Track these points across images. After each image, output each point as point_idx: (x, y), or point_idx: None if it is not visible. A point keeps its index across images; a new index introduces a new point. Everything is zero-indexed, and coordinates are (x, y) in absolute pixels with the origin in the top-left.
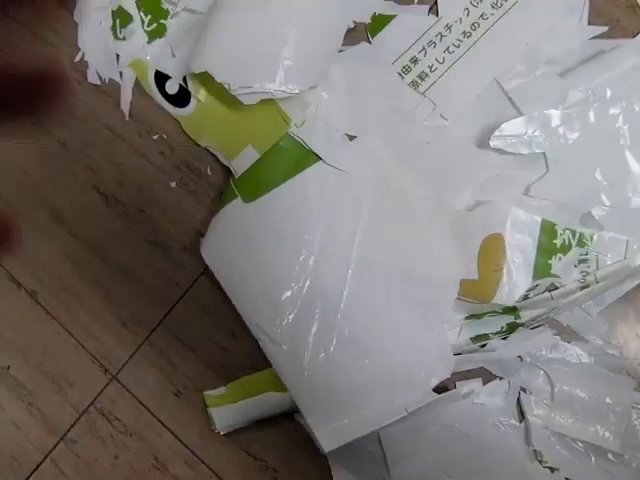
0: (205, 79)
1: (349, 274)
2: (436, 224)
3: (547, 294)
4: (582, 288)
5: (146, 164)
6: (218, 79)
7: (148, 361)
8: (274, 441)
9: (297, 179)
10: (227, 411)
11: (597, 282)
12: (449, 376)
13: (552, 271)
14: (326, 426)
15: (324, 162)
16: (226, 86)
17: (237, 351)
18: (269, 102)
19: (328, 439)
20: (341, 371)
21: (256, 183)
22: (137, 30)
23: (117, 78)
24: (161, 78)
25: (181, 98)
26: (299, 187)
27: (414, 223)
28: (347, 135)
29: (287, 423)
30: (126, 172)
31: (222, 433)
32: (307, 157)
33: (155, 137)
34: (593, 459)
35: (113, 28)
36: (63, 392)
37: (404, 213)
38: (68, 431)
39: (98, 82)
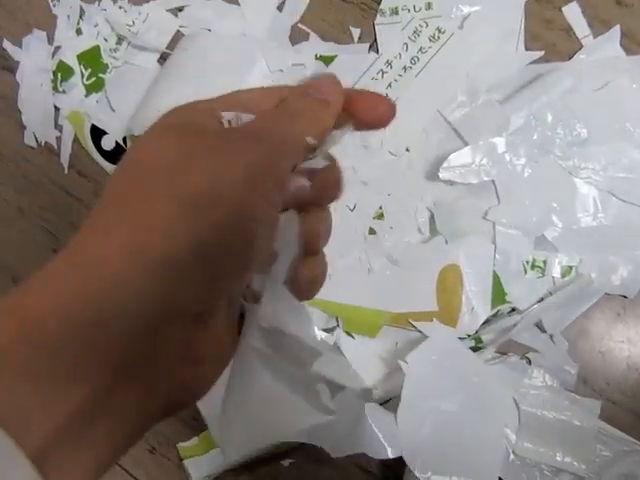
0: None
1: None
2: None
3: (509, 318)
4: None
5: None
6: None
7: None
8: None
9: None
10: (201, 461)
11: (551, 294)
12: None
13: (508, 298)
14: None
15: None
16: None
17: None
18: None
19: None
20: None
21: None
22: (77, 84)
23: (53, 142)
24: (98, 133)
25: (117, 154)
26: None
27: None
28: None
29: (261, 468)
30: None
31: None
32: None
33: None
34: None
35: (54, 81)
36: None
37: None
38: None
39: (34, 144)
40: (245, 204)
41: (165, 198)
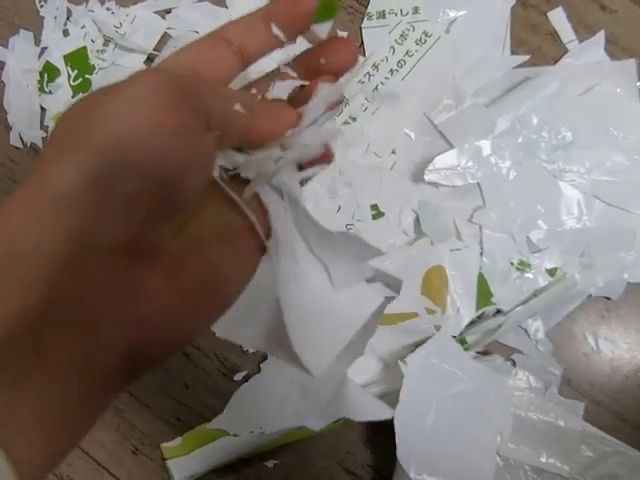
0: None
1: None
2: None
3: (493, 319)
4: (523, 303)
5: None
6: None
7: (104, 422)
8: None
9: None
10: (184, 461)
11: (535, 296)
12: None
13: (493, 299)
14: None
15: None
16: None
17: (192, 403)
18: None
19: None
20: None
21: None
22: (64, 85)
23: (39, 142)
24: None
25: None
26: None
27: None
28: None
29: (245, 469)
30: None
31: None
32: None
33: None
34: None
35: (40, 82)
36: None
37: None
38: None
39: (20, 145)
40: (149, 122)
41: (58, 144)
